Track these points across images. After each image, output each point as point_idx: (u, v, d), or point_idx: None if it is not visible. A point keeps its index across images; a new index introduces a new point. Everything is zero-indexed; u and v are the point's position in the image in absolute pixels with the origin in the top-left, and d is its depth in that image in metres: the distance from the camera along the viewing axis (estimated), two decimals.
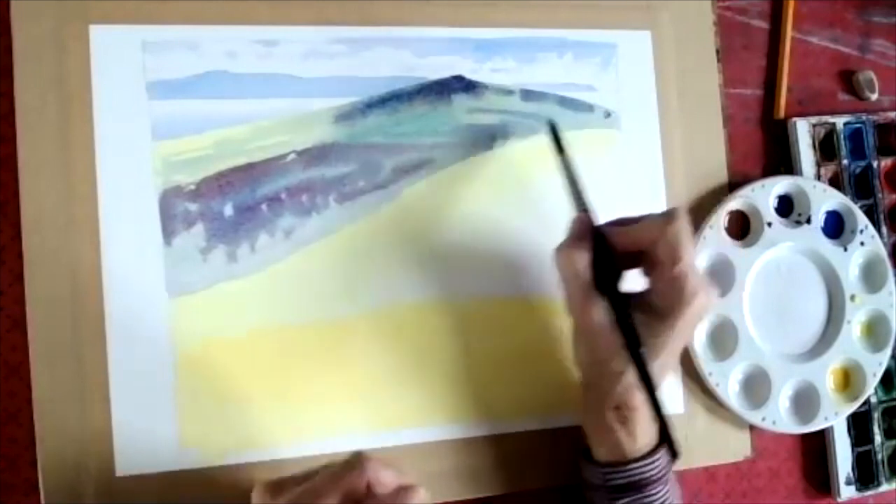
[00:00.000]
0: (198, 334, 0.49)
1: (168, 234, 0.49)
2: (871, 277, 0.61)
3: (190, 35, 0.50)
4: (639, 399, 0.47)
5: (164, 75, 0.50)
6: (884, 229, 0.62)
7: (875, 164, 0.63)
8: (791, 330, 0.60)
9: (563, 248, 0.48)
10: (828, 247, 0.60)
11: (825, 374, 0.59)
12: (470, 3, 0.55)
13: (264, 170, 0.51)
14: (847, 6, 0.65)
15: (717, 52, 0.61)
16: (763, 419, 0.58)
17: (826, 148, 0.62)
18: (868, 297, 0.60)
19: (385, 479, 0.39)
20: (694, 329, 0.50)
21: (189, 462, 0.48)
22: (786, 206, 0.61)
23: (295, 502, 0.38)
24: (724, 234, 0.59)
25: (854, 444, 0.61)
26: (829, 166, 0.62)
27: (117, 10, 0.49)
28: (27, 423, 0.46)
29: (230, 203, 0.50)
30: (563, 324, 0.52)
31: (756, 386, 0.58)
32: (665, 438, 0.47)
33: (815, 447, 0.61)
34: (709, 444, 0.58)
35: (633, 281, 0.49)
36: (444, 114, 0.54)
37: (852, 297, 0.60)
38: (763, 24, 0.63)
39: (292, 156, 0.51)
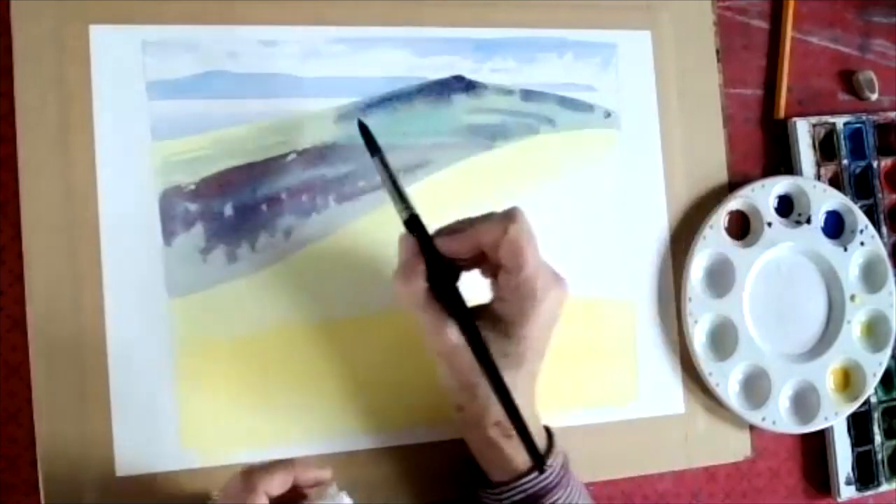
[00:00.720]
0: (198, 334, 0.49)
1: (168, 234, 0.49)
2: (871, 277, 0.61)
3: (190, 35, 0.50)
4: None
5: (164, 75, 0.50)
6: (884, 229, 0.62)
7: (875, 164, 0.63)
8: (791, 330, 0.60)
9: (397, 278, 0.44)
10: (828, 247, 0.60)
11: (825, 374, 0.59)
12: (470, 3, 0.55)
13: (264, 170, 0.51)
14: (847, 6, 0.65)
15: (717, 52, 0.61)
16: (763, 419, 0.58)
17: (826, 148, 0.62)
18: (868, 297, 0.60)
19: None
20: (553, 326, 0.46)
21: (189, 462, 0.48)
22: (786, 206, 0.61)
23: None
24: (724, 234, 0.59)
25: (854, 444, 0.61)
26: (829, 166, 0.62)
27: (117, 10, 0.49)
28: (27, 423, 0.46)
29: (230, 203, 0.50)
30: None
31: (756, 386, 0.58)
32: (529, 450, 0.44)
33: (815, 447, 0.61)
34: (709, 444, 0.58)
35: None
36: (444, 114, 0.54)
37: (852, 297, 0.60)
38: (763, 24, 0.63)
39: (292, 156, 0.51)
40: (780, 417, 0.58)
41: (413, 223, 0.45)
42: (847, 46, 0.65)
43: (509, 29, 0.56)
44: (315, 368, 0.51)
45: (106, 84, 0.49)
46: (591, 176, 0.57)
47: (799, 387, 0.59)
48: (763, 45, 0.63)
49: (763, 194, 0.59)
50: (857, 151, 0.63)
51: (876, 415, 0.61)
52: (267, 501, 0.40)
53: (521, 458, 0.46)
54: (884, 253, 0.61)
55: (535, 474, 0.46)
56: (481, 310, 0.46)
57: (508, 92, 0.56)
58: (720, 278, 0.59)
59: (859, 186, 0.63)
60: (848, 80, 0.65)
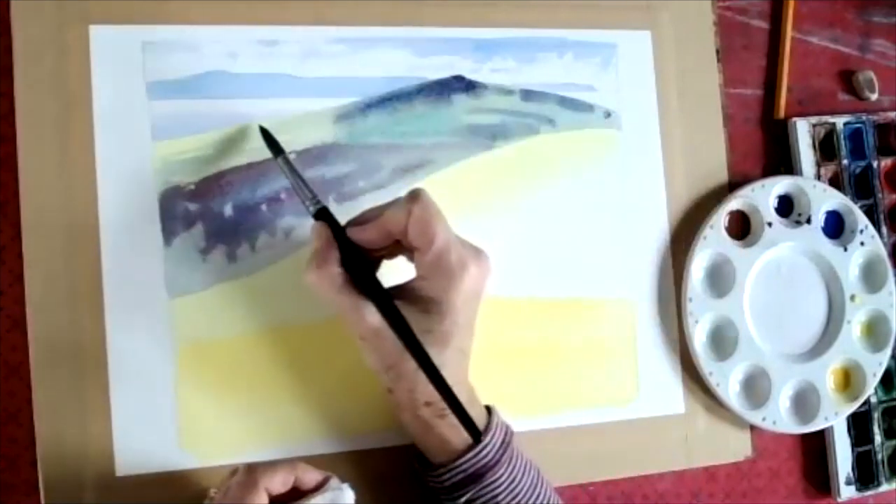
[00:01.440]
0: (198, 334, 0.49)
1: (168, 234, 0.49)
2: (871, 277, 0.61)
3: (190, 35, 0.50)
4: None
5: (164, 75, 0.50)
6: (884, 229, 0.62)
7: (875, 164, 0.63)
8: (791, 330, 0.60)
9: (309, 265, 0.44)
10: (828, 247, 0.60)
11: (825, 374, 0.59)
12: (470, 3, 0.55)
13: (264, 170, 0.51)
14: (847, 6, 0.65)
15: (717, 52, 0.61)
16: (763, 419, 0.58)
17: (826, 148, 0.62)
18: (868, 297, 0.60)
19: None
20: (477, 302, 0.46)
21: (189, 462, 0.48)
22: (786, 206, 0.61)
23: None
24: (724, 234, 0.59)
25: (854, 444, 0.61)
26: (829, 166, 0.62)
27: (117, 10, 0.49)
28: (27, 423, 0.46)
29: (230, 203, 0.50)
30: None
31: (756, 386, 0.58)
32: (462, 420, 0.44)
33: (815, 447, 0.61)
34: (709, 444, 0.58)
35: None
36: (444, 114, 0.54)
37: (852, 297, 0.60)
38: (763, 24, 0.63)
39: (292, 156, 0.51)
40: (780, 417, 0.58)
41: (323, 214, 0.46)
42: (847, 46, 0.65)
43: (509, 29, 0.56)
44: (315, 368, 0.51)
45: (106, 84, 0.48)
46: (591, 176, 0.57)
47: (799, 387, 0.59)
48: (763, 45, 0.63)
49: (763, 194, 0.59)
50: (857, 151, 0.63)
51: (876, 415, 0.61)
52: (267, 500, 0.40)
53: (457, 439, 0.46)
54: (884, 253, 0.61)
55: (472, 453, 0.46)
56: (402, 290, 0.45)
57: (508, 92, 0.56)
58: (720, 278, 0.59)
59: (859, 186, 0.63)
60: (848, 80, 0.65)
